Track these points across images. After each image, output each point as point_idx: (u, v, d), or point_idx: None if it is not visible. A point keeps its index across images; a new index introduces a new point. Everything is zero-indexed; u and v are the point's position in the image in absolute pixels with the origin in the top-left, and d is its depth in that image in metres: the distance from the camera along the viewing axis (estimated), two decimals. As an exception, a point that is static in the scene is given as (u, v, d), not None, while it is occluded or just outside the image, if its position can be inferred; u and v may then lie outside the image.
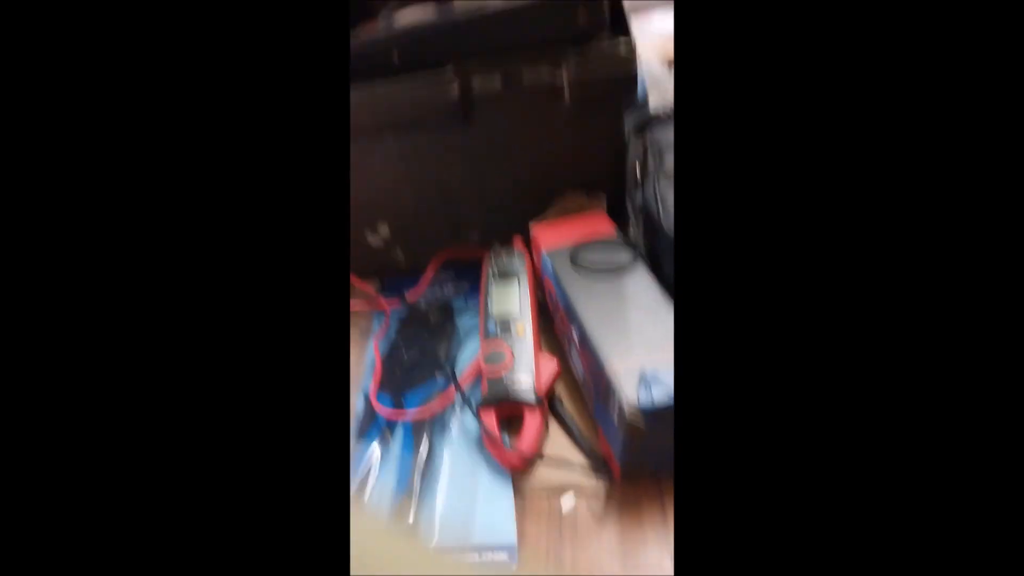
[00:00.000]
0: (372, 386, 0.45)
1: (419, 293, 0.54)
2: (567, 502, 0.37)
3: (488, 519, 0.37)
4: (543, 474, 0.39)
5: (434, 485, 0.39)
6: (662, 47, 0.78)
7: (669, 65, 0.73)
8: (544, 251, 0.45)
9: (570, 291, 0.41)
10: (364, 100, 0.43)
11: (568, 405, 0.43)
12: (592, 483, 0.38)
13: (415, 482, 0.38)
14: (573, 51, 0.43)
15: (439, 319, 0.51)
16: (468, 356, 0.47)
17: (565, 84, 0.44)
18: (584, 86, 0.44)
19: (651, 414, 0.32)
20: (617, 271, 0.42)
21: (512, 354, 0.42)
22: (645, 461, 0.36)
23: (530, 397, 0.40)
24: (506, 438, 0.41)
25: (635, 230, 0.45)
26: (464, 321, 0.51)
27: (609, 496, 0.37)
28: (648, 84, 0.70)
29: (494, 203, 0.52)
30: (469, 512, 0.37)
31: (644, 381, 0.34)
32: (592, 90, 0.45)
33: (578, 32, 0.43)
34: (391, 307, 0.53)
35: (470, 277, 0.55)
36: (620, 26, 0.46)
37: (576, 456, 0.39)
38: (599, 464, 0.38)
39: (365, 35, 0.44)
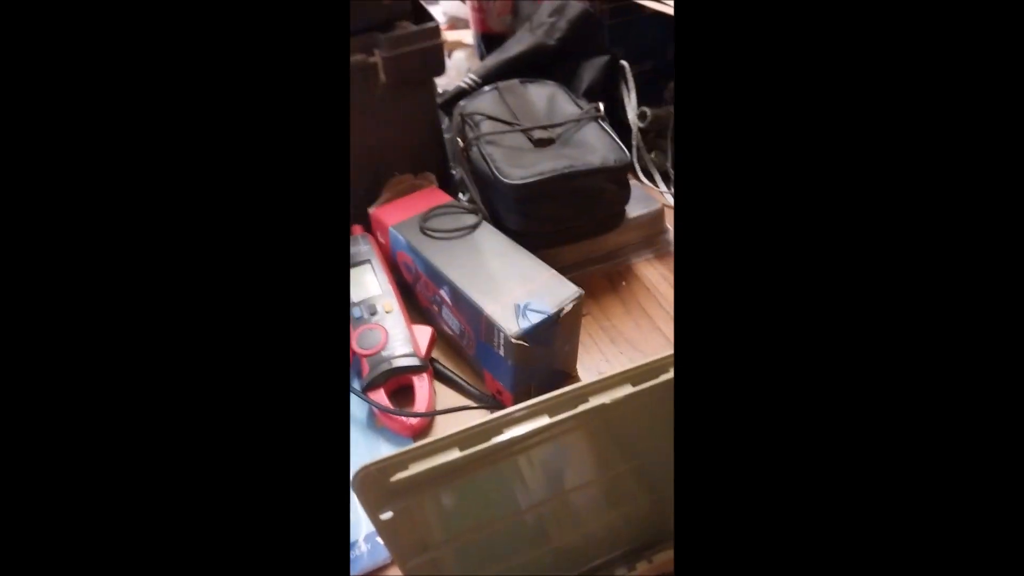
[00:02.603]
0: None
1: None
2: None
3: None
4: (441, 428, 0.45)
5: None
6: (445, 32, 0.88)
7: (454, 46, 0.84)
8: (392, 227, 0.51)
9: (430, 257, 0.47)
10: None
11: (445, 362, 0.49)
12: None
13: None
14: (384, 36, 0.50)
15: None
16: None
17: (380, 65, 0.50)
18: (397, 66, 0.51)
19: (529, 334, 0.41)
20: (465, 231, 0.50)
21: (386, 331, 0.47)
22: (530, 381, 0.45)
23: (416, 363, 0.45)
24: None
25: (473, 193, 0.54)
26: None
27: (508, 427, 0.45)
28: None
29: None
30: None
31: (518, 311, 0.42)
32: (405, 71, 0.52)
33: (383, 20, 0.50)
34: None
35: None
36: (421, 14, 0.54)
37: (465, 401, 0.46)
38: (490, 400, 0.46)
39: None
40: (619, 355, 0.51)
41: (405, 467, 0.23)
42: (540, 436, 0.25)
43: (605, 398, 0.25)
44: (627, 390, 0.26)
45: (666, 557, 0.34)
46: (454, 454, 0.23)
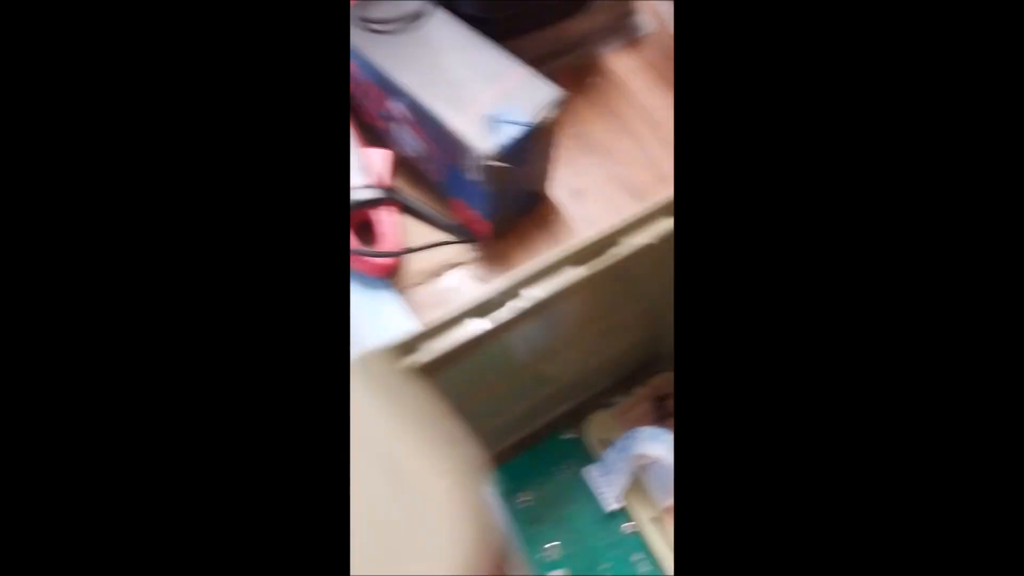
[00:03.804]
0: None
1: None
2: (448, 279, 0.41)
3: (387, 330, 0.38)
4: (414, 267, 0.41)
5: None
6: None
7: None
8: (313, 20, 0.39)
9: (376, 58, 0.38)
10: None
11: (407, 191, 0.43)
12: (463, 251, 0.41)
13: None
14: None
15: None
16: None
17: None
18: None
19: (508, 152, 0.35)
20: (415, 20, 0.39)
21: (331, 155, 0.39)
22: (510, 205, 0.40)
23: (378, 194, 0.39)
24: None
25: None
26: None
27: (484, 255, 0.41)
28: None
29: None
30: (365, 336, 0.38)
31: (491, 124, 0.36)
32: None
33: None
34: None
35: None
36: None
37: (437, 234, 0.42)
38: (463, 232, 0.42)
39: None
40: (594, 167, 0.46)
41: (414, 350, 0.19)
42: (568, 294, 0.22)
43: (646, 237, 0.22)
44: (667, 225, 0.22)
45: (662, 379, 0.35)
46: (484, 325, 0.20)
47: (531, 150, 0.38)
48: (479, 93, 0.37)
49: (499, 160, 0.35)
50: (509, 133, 0.35)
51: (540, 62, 0.49)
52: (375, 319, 0.38)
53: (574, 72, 0.50)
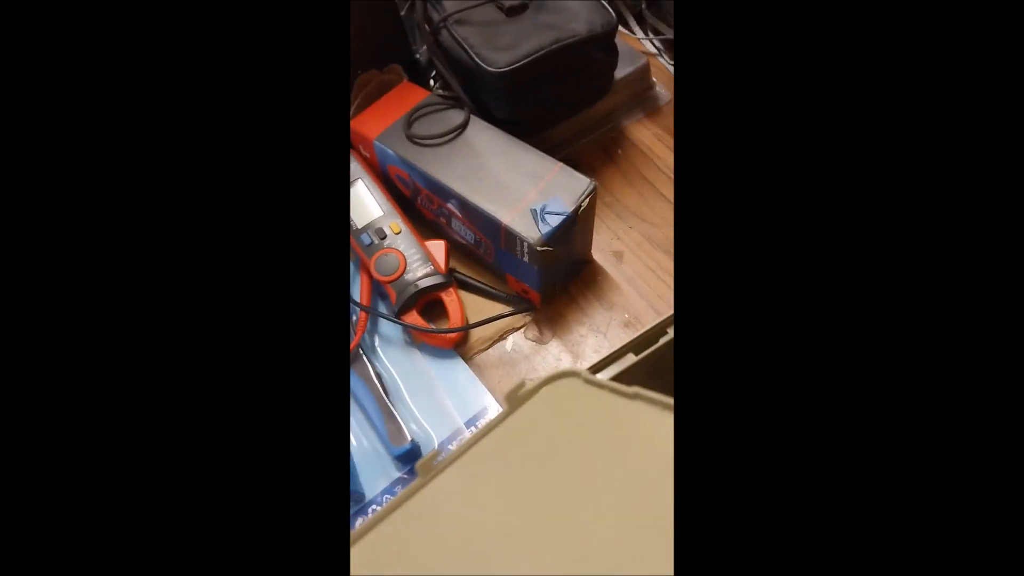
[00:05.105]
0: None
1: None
2: (509, 343, 0.46)
3: (461, 396, 0.44)
4: (478, 334, 0.46)
5: (401, 398, 0.44)
6: None
7: None
8: (376, 141, 0.47)
9: (428, 169, 0.44)
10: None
11: (463, 269, 0.49)
12: (520, 318, 0.47)
13: (388, 405, 0.42)
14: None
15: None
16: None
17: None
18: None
19: (552, 238, 0.41)
20: (456, 133, 0.46)
21: (402, 254, 0.46)
22: (554, 278, 0.46)
23: (440, 280, 0.45)
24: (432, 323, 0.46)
25: (452, 84, 0.49)
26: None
27: (537, 320, 0.47)
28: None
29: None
30: (443, 401, 0.43)
31: (536, 216, 0.41)
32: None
33: None
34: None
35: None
36: None
37: (494, 306, 0.47)
38: (518, 300, 0.47)
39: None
40: (630, 230, 0.51)
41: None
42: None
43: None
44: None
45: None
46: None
47: (574, 232, 0.43)
48: (523, 191, 0.42)
49: (546, 245, 0.41)
50: (552, 222, 0.41)
51: (569, 143, 0.55)
52: (449, 384, 0.44)
53: (602, 145, 0.56)
